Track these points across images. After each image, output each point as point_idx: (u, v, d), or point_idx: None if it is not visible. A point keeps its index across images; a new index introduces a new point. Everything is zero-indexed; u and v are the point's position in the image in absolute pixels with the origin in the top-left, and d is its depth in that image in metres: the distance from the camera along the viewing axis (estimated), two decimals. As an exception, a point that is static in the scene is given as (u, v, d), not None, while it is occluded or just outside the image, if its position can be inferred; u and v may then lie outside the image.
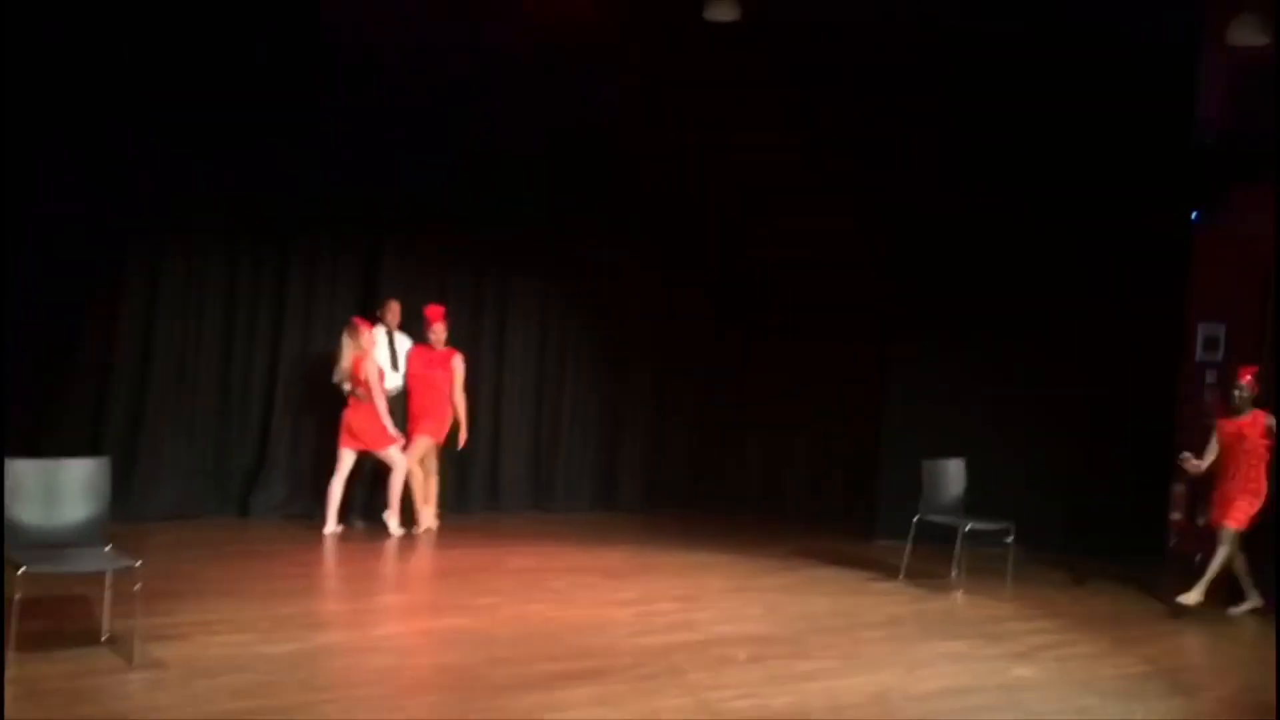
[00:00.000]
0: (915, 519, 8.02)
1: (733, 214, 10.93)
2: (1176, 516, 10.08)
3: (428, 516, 9.02)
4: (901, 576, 8.13)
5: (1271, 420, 7.59)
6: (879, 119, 9.93)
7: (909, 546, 8.11)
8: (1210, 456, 7.67)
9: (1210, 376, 9.87)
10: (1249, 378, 7.71)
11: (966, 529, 7.82)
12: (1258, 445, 7.58)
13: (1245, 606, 7.59)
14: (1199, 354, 10.09)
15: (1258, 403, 7.69)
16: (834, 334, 10.83)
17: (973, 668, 6.12)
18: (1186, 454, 7.70)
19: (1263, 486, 7.54)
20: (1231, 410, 7.75)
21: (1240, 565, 7.59)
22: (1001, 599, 7.60)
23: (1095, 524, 9.38)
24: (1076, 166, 9.34)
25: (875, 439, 10.00)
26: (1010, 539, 7.86)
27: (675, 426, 11.12)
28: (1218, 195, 9.67)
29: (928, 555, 8.32)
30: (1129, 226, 9.34)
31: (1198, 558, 7.73)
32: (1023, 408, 9.42)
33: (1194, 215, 9.92)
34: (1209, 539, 7.79)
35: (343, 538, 8.60)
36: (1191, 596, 7.41)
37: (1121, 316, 9.41)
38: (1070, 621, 7.24)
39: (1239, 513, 7.48)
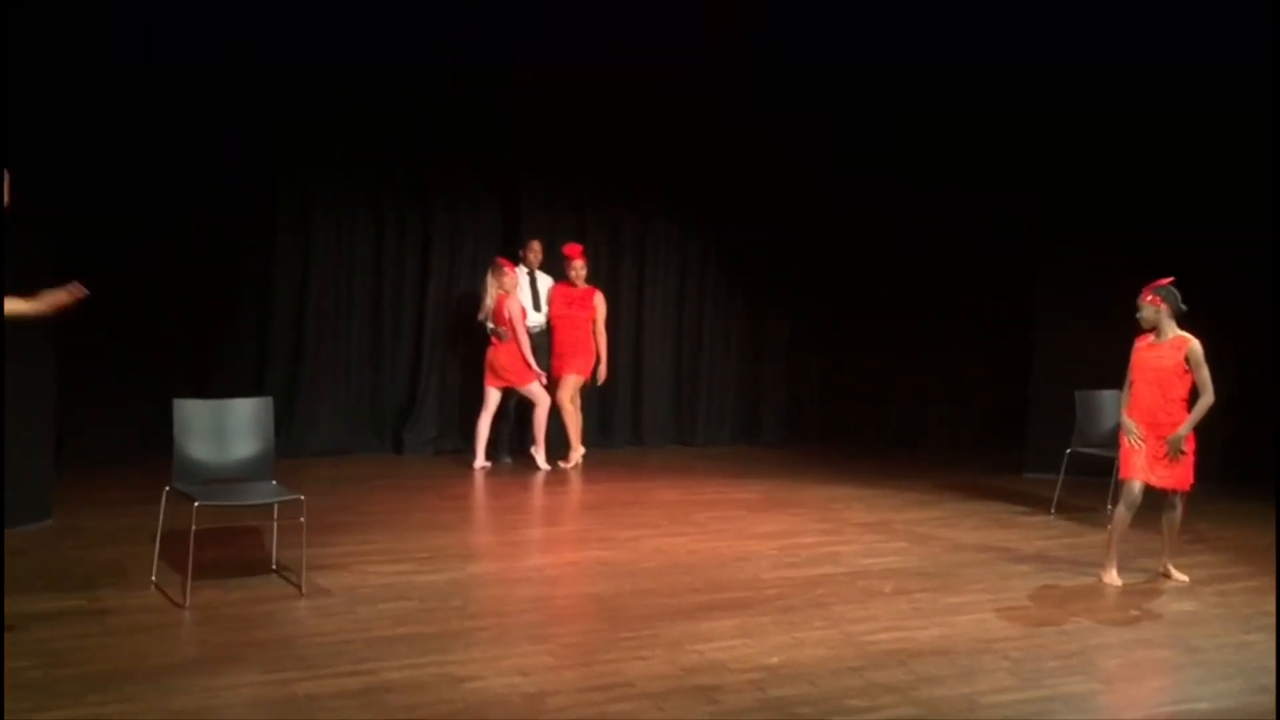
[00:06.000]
0: (1068, 451, 7.81)
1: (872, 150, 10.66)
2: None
3: (575, 452, 9.20)
4: (1053, 510, 7.95)
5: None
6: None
7: (1060, 479, 7.92)
8: None
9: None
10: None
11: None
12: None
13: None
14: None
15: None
16: (979, 263, 10.51)
17: (1130, 602, 5.96)
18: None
19: None
20: None
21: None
22: (1158, 532, 7.34)
23: (1255, 455, 8.96)
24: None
25: (1021, 371, 9.70)
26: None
27: (814, 361, 11.01)
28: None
29: (1080, 488, 8.11)
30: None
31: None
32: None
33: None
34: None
35: (491, 472, 8.84)
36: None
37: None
38: (1232, 555, 6.99)
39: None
